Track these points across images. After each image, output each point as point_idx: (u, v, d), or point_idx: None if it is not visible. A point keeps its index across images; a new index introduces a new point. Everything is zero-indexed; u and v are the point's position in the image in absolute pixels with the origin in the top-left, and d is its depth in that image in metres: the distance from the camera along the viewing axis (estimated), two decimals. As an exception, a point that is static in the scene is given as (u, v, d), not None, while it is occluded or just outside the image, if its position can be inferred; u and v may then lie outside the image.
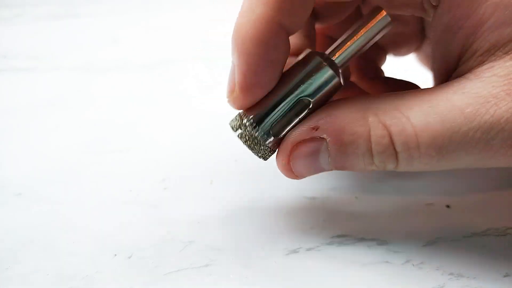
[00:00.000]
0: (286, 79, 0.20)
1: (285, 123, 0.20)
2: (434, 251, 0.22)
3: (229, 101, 0.21)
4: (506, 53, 0.18)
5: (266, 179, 0.26)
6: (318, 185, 0.26)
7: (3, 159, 0.29)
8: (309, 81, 0.20)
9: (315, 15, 0.24)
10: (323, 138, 0.19)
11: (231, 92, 0.20)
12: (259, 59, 0.19)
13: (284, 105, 0.20)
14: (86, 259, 0.22)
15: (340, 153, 0.19)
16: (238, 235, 0.23)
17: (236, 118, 0.21)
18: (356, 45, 0.20)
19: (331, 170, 0.20)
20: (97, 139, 0.30)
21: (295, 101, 0.20)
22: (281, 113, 0.20)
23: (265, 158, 0.21)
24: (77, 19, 0.52)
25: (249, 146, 0.21)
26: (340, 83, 0.20)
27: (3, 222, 0.24)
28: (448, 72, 0.20)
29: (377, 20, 0.20)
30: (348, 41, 0.20)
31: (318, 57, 0.20)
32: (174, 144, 0.30)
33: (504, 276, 0.20)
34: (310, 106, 0.20)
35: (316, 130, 0.19)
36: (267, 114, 0.20)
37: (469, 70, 0.19)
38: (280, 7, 0.19)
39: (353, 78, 0.28)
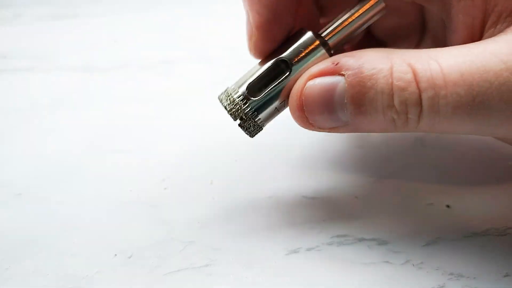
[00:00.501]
0: (278, 51, 0.20)
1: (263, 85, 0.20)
2: (434, 251, 0.22)
3: (250, 50, 0.20)
4: None
5: (266, 179, 0.26)
6: (318, 185, 0.26)
7: (3, 159, 0.29)
8: (300, 55, 0.20)
9: (320, 9, 0.24)
10: (342, 74, 0.18)
11: (250, 38, 0.20)
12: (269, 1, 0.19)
13: (266, 73, 0.20)
14: (86, 259, 0.22)
15: (358, 89, 0.17)
16: (238, 235, 0.23)
17: (223, 93, 0.21)
18: (348, 27, 0.20)
19: (344, 122, 0.18)
20: (97, 139, 0.30)
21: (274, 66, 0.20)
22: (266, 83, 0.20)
23: (252, 135, 0.21)
24: (77, 19, 0.52)
25: (241, 124, 0.21)
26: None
27: (4, 222, 0.24)
28: (473, 41, 0.18)
29: (371, 4, 0.20)
30: (341, 23, 0.20)
31: (310, 33, 0.20)
32: (174, 144, 0.30)
33: (504, 276, 0.20)
34: (290, 71, 0.20)
35: (336, 64, 0.18)
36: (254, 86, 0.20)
37: (499, 32, 0.17)
38: None
39: None
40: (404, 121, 0.17)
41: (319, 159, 0.28)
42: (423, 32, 0.26)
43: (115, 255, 0.22)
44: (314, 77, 0.18)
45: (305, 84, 0.19)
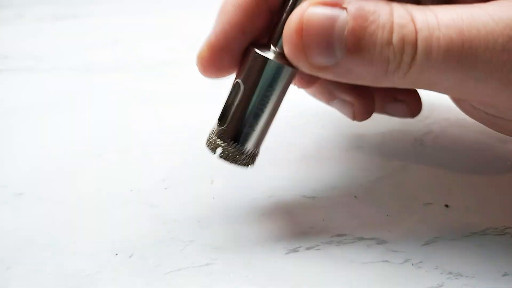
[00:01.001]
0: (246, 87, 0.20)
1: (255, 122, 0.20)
2: (433, 250, 0.22)
3: (196, 62, 0.21)
4: None
5: (266, 179, 0.26)
6: (318, 184, 0.26)
7: (3, 159, 0.29)
8: (265, 81, 0.20)
9: None
10: (344, 7, 0.17)
11: (199, 52, 0.21)
12: (234, 23, 0.20)
13: (251, 111, 0.20)
14: (87, 259, 0.22)
15: (360, 22, 0.17)
16: (238, 235, 0.23)
17: (209, 139, 0.21)
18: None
19: (340, 58, 0.18)
20: (97, 139, 0.30)
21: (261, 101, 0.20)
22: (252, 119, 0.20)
23: (247, 165, 0.21)
24: (77, 19, 0.52)
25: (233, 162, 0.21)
26: (294, 69, 0.20)
27: (4, 222, 0.24)
28: None
29: None
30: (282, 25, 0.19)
31: (263, 56, 0.19)
32: (174, 144, 0.30)
33: (503, 276, 0.20)
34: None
35: None
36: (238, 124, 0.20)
37: None
38: None
39: None
40: (398, 62, 0.17)
41: (318, 159, 0.28)
42: None
43: (116, 254, 0.22)
44: (318, 3, 0.17)
45: (306, 10, 0.18)
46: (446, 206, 0.24)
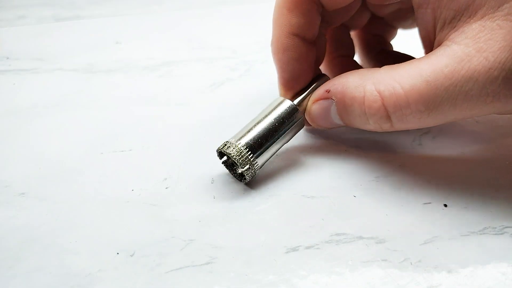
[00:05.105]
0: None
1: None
2: (432, 250, 0.22)
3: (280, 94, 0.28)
4: (469, 17, 0.21)
5: (266, 178, 0.27)
6: (318, 184, 0.26)
7: (6, 159, 0.29)
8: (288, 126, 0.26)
9: (323, 18, 0.27)
10: (332, 99, 0.25)
11: (279, 88, 0.28)
12: (288, 66, 0.26)
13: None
14: (88, 258, 0.22)
15: (343, 112, 0.25)
16: (238, 234, 0.23)
17: (226, 145, 0.25)
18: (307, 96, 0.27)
19: (342, 125, 0.26)
20: (99, 139, 0.31)
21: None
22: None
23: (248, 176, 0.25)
24: (80, 20, 0.52)
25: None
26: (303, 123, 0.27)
27: (7, 221, 0.24)
28: (430, 41, 0.24)
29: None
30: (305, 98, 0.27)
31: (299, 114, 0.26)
32: (175, 144, 0.30)
33: (502, 275, 0.21)
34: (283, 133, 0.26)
35: (328, 92, 0.25)
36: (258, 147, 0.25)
37: (446, 37, 0.22)
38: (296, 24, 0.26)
39: (359, 54, 0.34)
40: (380, 128, 0.24)
41: (318, 159, 0.28)
42: None
43: (117, 253, 0.22)
44: (315, 101, 0.26)
45: (310, 107, 0.27)
46: (445, 205, 0.24)
